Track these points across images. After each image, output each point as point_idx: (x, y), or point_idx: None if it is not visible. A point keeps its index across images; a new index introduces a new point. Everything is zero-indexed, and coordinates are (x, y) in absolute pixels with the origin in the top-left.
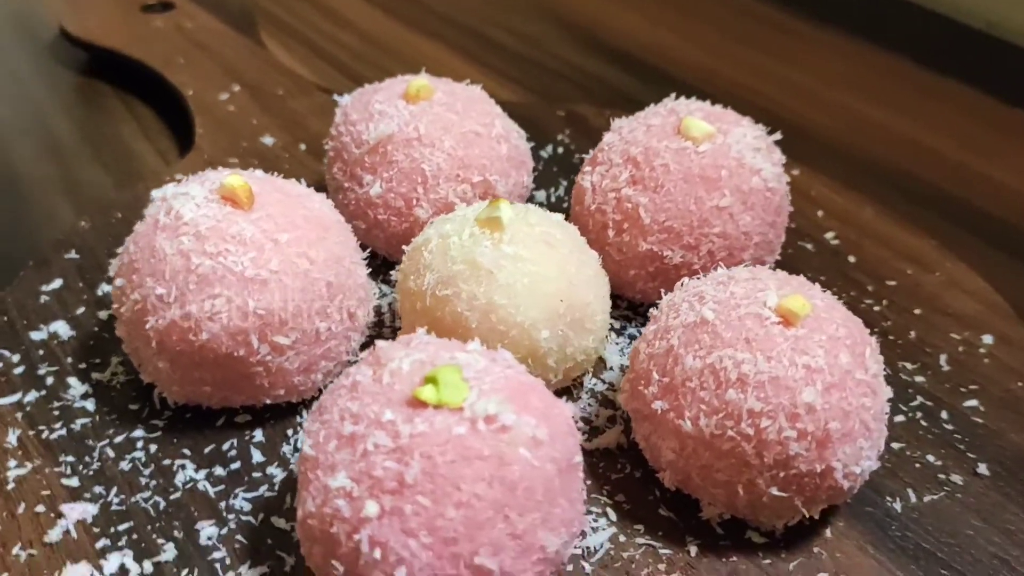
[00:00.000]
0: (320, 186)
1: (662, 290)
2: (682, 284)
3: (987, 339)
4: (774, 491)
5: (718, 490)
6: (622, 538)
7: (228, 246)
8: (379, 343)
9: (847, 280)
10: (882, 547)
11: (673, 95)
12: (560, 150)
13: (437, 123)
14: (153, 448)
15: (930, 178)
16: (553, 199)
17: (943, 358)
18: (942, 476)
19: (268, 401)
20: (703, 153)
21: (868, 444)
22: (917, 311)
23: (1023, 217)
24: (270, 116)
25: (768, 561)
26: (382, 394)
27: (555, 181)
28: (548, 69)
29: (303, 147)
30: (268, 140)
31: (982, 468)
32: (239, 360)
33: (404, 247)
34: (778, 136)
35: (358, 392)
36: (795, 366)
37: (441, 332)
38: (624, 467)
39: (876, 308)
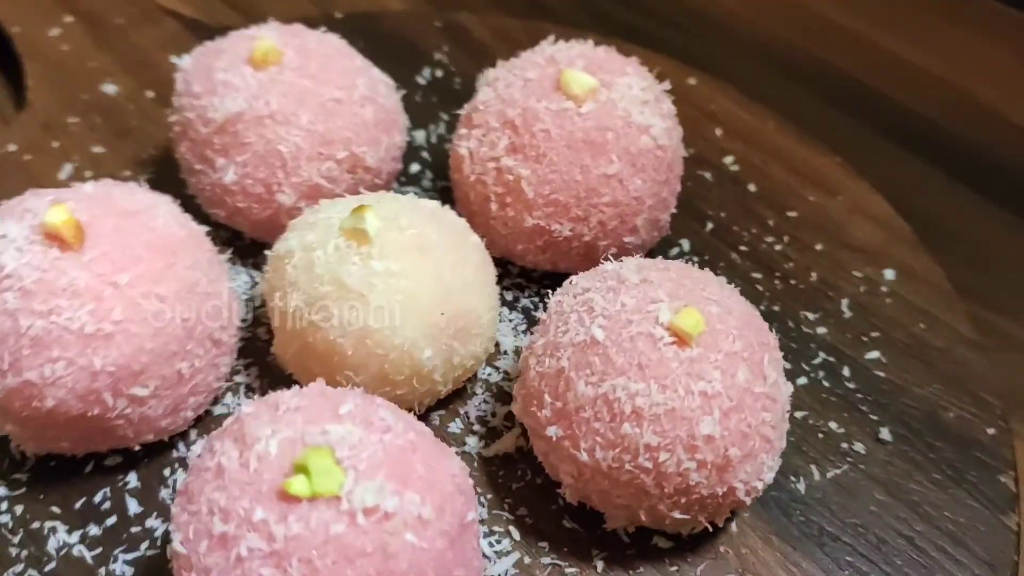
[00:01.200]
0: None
1: (554, 262)
2: (570, 282)
3: (889, 275)
4: (676, 514)
5: (619, 511)
6: (527, 559)
7: (60, 301)
8: (244, 411)
9: (748, 215)
10: (787, 535)
11: (551, 37)
12: (439, 73)
13: (291, 94)
14: (19, 509)
15: (842, 66)
16: (433, 139)
17: (845, 303)
18: (845, 445)
19: (136, 447)
20: (586, 115)
21: (769, 456)
22: (819, 247)
23: (942, 110)
24: (111, 55)
25: (675, 568)
26: (251, 485)
27: (435, 116)
28: None
29: (151, 95)
30: (110, 88)
31: (884, 433)
32: (95, 418)
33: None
34: (667, 85)
35: (224, 480)
36: (691, 394)
37: (314, 357)
38: (524, 474)
39: (778, 247)
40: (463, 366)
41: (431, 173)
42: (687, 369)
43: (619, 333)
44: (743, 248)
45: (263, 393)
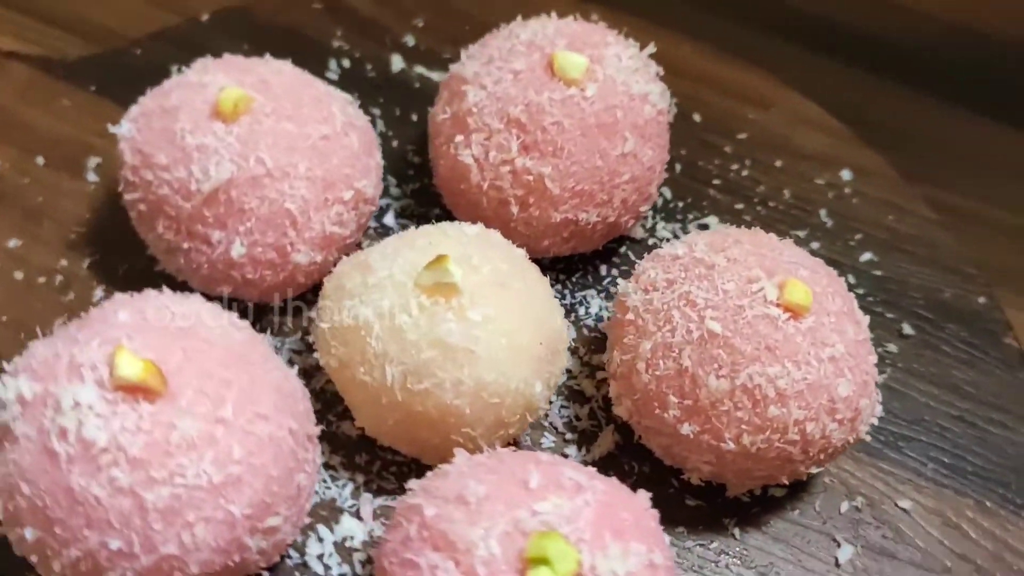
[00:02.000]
0: (121, 230)
1: (575, 247)
2: (639, 275)
3: (846, 175)
4: (813, 469)
5: (755, 482)
6: (675, 548)
7: (179, 459)
8: (429, 515)
9: (705, 147)
10: (871, 451)
11: (520, 17)
12: (346, 63)
13: (279, 144)
14: None
15: None
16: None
17: (823, 213)
18: (880, 350)
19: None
20: (592, 98)
21: (876, 392)
22: (778, 163)
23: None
24: None
25: (797, 511)
26: None
27: (367, 112)
28: None
29: (41, 161)
30: None
31: (907, 328)
32: (235, 565)
33: (288, 290)
34: (652, 48)
35: None
36: (823, 363)
37: (423, 424)
38: (632, 468)
39: (744, 173)
40: (556, 384)
41: (394, 179)
42: (811, 340)
43: (736, 322)
44: (716, 182)
45: (349, 470)
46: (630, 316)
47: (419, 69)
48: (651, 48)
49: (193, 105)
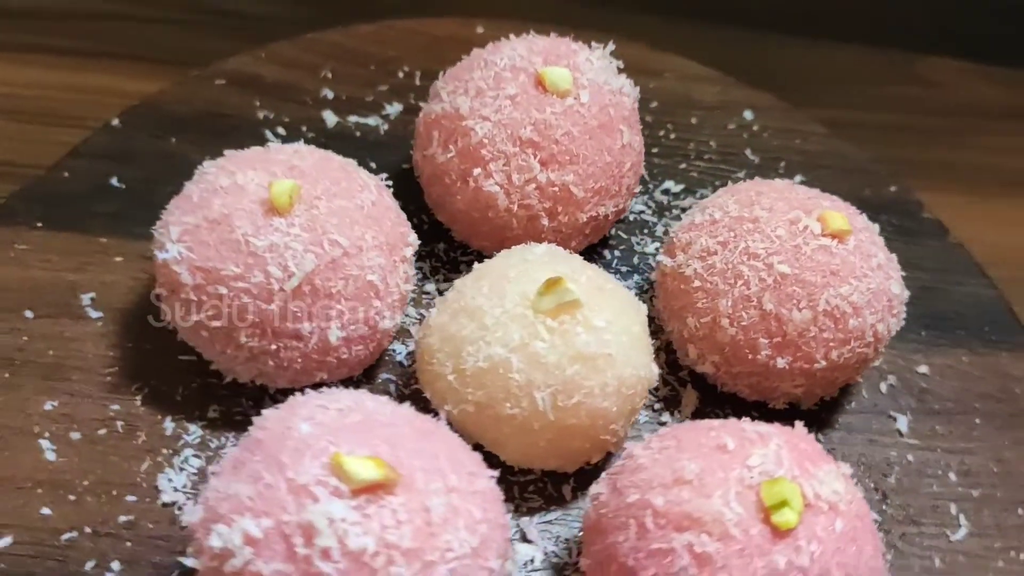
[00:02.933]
0: (158, 357)
1: (592, 239)
2: (688, 246)
3: (748, 115)
4: (877, 362)
5: (834, 389)
6: None
7: (444, 537)
8: (665, 504)
9: (648, 125)
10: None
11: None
12: (281, 131)
13: (342, 223)
14: None
15: None
16: None
17: (748, 152)
18: None
19: None
20: (587, 103)
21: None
22: (693, 120)
23: None
24: None
25: (853, 403)
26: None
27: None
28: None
29: (30, 314)
30: None
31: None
32: None
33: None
34: (611, 46)
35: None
36: (873, 270)
37: (576, 434)
38: (721, 413)
39: (672, 135)
40: None
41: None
42: (858, 257)
43: (798, 259)
44: (655, 150)
45: None
46: (695, 283)
47: (353, 119)
48: (611, 46)
49: (243, 208)
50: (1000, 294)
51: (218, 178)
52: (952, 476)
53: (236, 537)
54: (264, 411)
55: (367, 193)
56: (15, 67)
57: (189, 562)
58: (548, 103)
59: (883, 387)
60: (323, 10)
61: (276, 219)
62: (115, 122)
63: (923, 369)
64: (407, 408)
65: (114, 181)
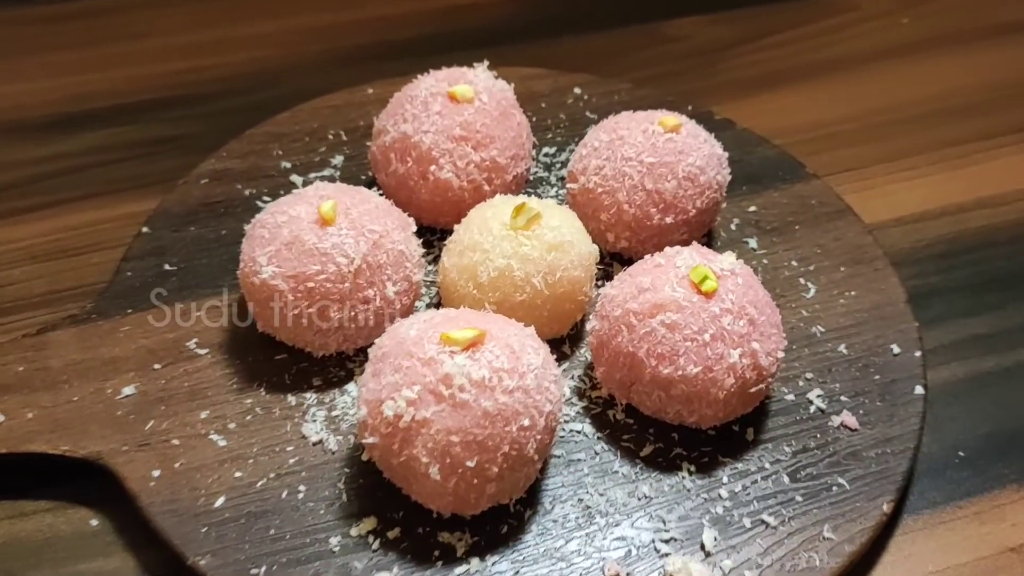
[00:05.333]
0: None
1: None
2: (582, 176)
3: (577, 90)
4: (724, 206)
5: (703, 230)
6: None
7: (526, 360)
8: (637, 308)
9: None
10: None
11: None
12: (267, 199)
13: (373, 219)
14: None
15: None
16: None
17: (588, 113)
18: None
19: None
20: (487, 102)
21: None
22: (543, 104)
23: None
24: None
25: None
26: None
27: None
28: None
29: (158, 366)
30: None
31: (752, 207)
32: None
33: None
34: (486, 62)
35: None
36: (703, 144)
37: (565, 299)
38: None
39: (535, 119)
40: None
41: None
42: (692, 138)
43: (656, 150)
44: (550, 127)
45: None
46: (599, 190)
47: (313, 175)
48: (485, 63)
49: (304, 228)
50: (783, 151)
51: (276, 217)
52: (794, 263)
53: (401, 403)
54: (375, 340)
55: (375, 198)
56: (13, 228)
57: (367, 440)
58: (464, 109)
59: (732, 226)
60: (240, 116)
61: (329, 228)
62: (144, 229)
63: (752, 208)
64: (462, 309)
65: (166, 267)
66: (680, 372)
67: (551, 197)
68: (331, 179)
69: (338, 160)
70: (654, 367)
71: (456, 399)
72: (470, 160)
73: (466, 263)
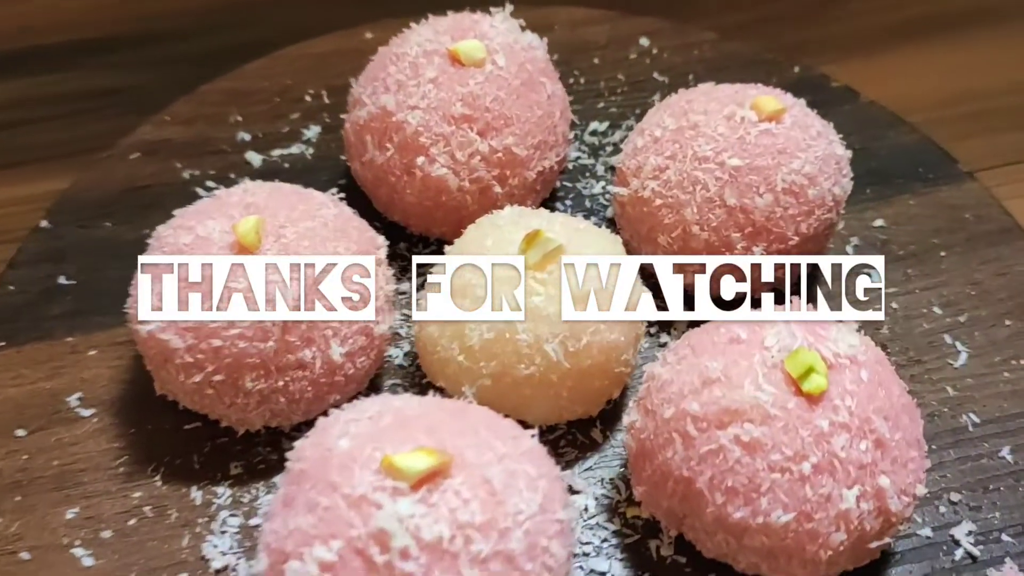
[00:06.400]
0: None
1: (545, 195)
2: (635, 179)
3: (644, 42)
4: (839, 227)
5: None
6: None
7: (513, 501)
8: (701, 407)
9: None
10: None
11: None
12: (211, 184)
13: (313, 244)
14: None
15: None
16: None
17: (656, 75)
18: None
19: None
20: (504, 66)
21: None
22: (595, 60)
23: None
24: None
25: None
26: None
27: None
28: None
29: (22, 432)
30: None
31: None
32: None
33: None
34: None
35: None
36: (815, 139)
37: (593, 374)
38: None
39: (583, 80)
40: None
41: None
42: (798, 131)
43: (745, 148)
44: (570, 97)
45: None
46: (657, 202)
47: (276, 152)
48: (509, 7)
49: (211, 255)
50: (923, 136)
51: (178, 238)
52: (937, 310)
53: (312, 567)
54: (296, 444)
55: (326, 209)
56: None
57: None
58: (469, 76)
59: (849, 249)
60: (198, 65)
61: (250, 257)
62: (43, 224)
63: (879, 223)
64: (431, 397)
65: (61, 280)
66: (761, 519)
67: (584, 213)
68: (300, 158)
69: (313, 133)
70: (720, 505)
71: (395, 571)
72: (475, 151)
73: (438, 327)
